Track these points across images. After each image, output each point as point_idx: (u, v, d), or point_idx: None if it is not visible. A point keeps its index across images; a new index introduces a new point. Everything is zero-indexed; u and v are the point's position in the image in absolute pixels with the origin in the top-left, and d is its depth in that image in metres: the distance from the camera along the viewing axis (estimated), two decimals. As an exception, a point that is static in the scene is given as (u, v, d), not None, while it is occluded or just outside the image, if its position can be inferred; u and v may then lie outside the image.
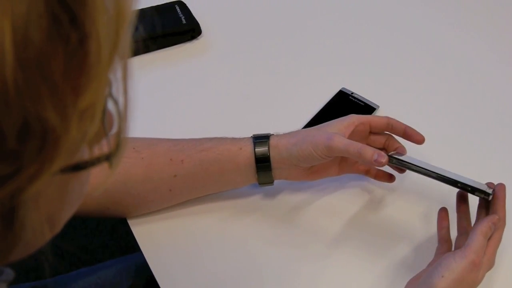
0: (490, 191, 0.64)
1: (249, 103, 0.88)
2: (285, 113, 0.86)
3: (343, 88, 0.88)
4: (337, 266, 0.70)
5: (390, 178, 0.74)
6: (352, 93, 0.87)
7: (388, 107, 0.86)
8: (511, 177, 0.73)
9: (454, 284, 0.59)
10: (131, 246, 0.73)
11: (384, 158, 0.64)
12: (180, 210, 0.73)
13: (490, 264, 0.63)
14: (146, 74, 0.90)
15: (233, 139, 0.71)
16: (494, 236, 0.63)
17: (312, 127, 0.71)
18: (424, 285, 0.60)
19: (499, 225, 0.64)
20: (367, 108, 0.85)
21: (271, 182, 0.72)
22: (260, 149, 0.69)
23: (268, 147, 0.69)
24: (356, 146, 0.65)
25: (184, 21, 0.96)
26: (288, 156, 0.68)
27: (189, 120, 0.86)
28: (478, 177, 0.68)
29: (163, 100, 0.88)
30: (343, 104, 0.86)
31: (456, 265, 0.60)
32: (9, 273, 0.38)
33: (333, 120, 0.71)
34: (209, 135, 0.83)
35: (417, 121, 0.84)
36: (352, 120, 0.70)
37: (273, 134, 0.71)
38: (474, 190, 0.64)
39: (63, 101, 0.27)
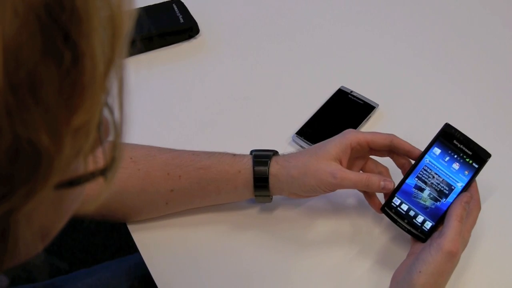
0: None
1: (248, 102, 0.88)
2: (284, 111, 0.86)
3: (342, 86, 0.87)
4: (335, 276, 0.69)
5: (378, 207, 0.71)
6: (351, 91, 0.86)
7: (388, 105, 0.85)
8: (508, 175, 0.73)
9: (433, 277, 0.59)
10: (131, 246, 0.73)
11: (391, 183, 0.66)
12: (179, 215, 0.73)
13: (465, 244, 0.63)
14: (144, 73, 0.90)
15: (232, 157, 0.69)
16: (468, 218, 0.63)
17: (310, 152, 0.68)
18: (405, 282, 0.60)
19: (473, 207, 0.64)
20: (366, 107, 0.84)
21: (268, 201, 0.72)
22: (260, 176, 0.68)
23: (268, 172, 0.67)
24: (362, 180, 0.65)
25: (181, 20, 0.95)
26: (288, 187, 0.68)
27: (187, 119, 0.85)
28: (487, 176, 0.67)
29: (160, 100, 0.88)
30: (342, 102, 0.85)
31: (432, 258, 0.59)
32: (2, 280, 0.38)
33: (329, 142, 0.68)
34: (207, 134, 0.83)
35: (416, 119, 0.84)
36: (348, 141, 0.67)
37: (273, 154, 0.69)
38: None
39: (56, 121, 0.26)
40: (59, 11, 0.25)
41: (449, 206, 0.65)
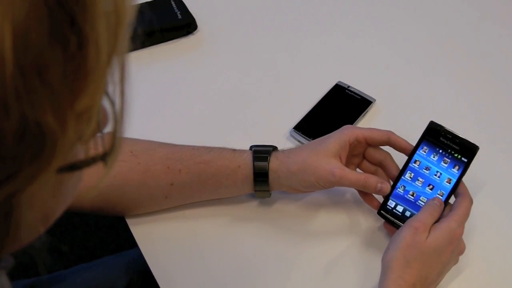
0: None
1: (245, 97, 0.88)
2: (282, 107, 0.86)
3: (339, 81, 0.88)
4: (334, 267, 0.70)
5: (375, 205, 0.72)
6: (349, 86, 0.87)
7: (385, 100, 0.86)
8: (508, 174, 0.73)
9: (399, 251, 0.61)
10: (130, 243, 0.74)
11: (387, 186, 0.67)
12: (178, 208, 0.73)
13: (457, 232, 0.63)
14: (142, 69, 0.90)
15: (232, 152, 0.70)
16: (459, 205, 0.64)
17: (309, 148, 0.69)
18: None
19: (462, 199, 0.65)
20: (363, 102, 0.85)
21: (267, 196, 0.72)
22: (260, 171, 0.68)
23: (268, 168, 0.68)
24: (359, 180, 0.66)
25: (179, 16, 0.95)
26: (288, 182, 0.69)
27: (185, 115, 0.85)
28: (476, 170, 0.68)
29: (158, 95, 0.88)
30: (339, 97, 0.86)
31: (397, 235, 0.62)
32: (9, 261, 0.38)
33: (328, 138, 0.69)
34: (204, 130, 0.83)
35: (413, 114, 0.85)
36: (347, 138, 0.68)
37: (272, 150, 0.70)
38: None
39: (61, 104, 0.27)
40: None
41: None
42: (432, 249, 0.61)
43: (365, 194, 0.71)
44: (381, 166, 0.71)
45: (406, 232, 0.62)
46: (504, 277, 0.69)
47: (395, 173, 0.70)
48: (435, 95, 0.88)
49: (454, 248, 0.64)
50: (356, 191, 0.73)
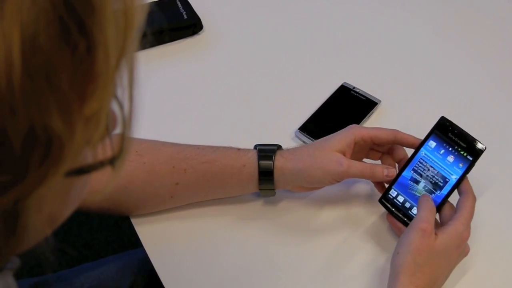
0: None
1: (251, 97, 0.88)
2: (287, 108, 0.86)
3: (344, 82, 0.88)
4: (339, 268, 0.70)
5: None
6: (354, 87, 0.87)
7: (390, 102, 0.86)
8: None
9: (410, 256, 0.60)
10: (134, 242, 0.74)
11: (393, 171, 0.68)
12: (183, 208, 0.73)
13: (463, 235, 0.63)
14: (147, 69, 0.90)
15: (237, 152, 0.70)
16: (464, 205, 0.64)
17: (314, 145, 0.70)
18: (390, 267, 0.63)
19: (466, 198, 0.65)
20: (368, 103, 0.85)
21: (272, 195, 0.72)
22: (265, 170, 0.68)
23: (273, 167, 0.68)
24: (366, 168, 0.67)
25: (185, 16, 0.95)
26: (293, 180, 0.69)
27: (190, 115, 0.85)
28: (479, 172, 0.68)
29: (163, 95, 0.88)
30: (345, 99, 0.86)
31: (406, 238, 0.62)
32: (15, 261, 0.38)
33: (334, 136, 0.69)
34: (210, 129, 0.83)
35: (418, 115, 0.84)
36: (353, 136, 0.69)
37: (278, 148, 0.70)
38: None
39: (69, 109, 0.27)
40: (74, 1, 0.25)
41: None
42: (441, 252, 0.62)
43: (377, 182, 0.72)
44: (390, 149, 0.72)
45: (414, 234, 0.61)
46: (508, 277, 0.69)
47: (401, 157, 0.70)
48: (440, 96, 0.88)
49: (461, 251, 0.64)
50: (360, 188, 0.73)
